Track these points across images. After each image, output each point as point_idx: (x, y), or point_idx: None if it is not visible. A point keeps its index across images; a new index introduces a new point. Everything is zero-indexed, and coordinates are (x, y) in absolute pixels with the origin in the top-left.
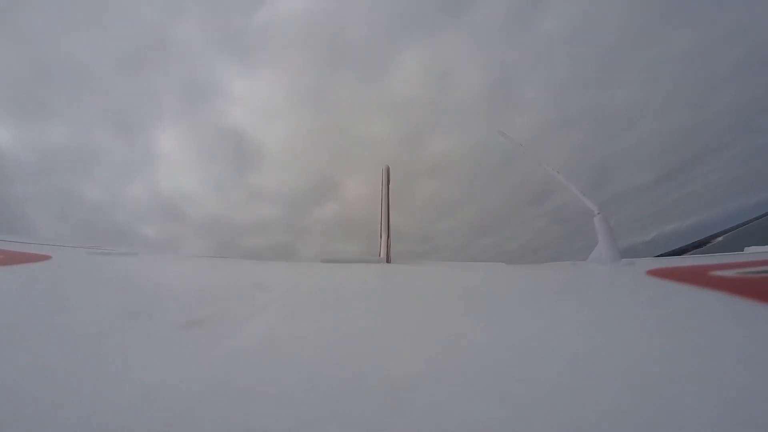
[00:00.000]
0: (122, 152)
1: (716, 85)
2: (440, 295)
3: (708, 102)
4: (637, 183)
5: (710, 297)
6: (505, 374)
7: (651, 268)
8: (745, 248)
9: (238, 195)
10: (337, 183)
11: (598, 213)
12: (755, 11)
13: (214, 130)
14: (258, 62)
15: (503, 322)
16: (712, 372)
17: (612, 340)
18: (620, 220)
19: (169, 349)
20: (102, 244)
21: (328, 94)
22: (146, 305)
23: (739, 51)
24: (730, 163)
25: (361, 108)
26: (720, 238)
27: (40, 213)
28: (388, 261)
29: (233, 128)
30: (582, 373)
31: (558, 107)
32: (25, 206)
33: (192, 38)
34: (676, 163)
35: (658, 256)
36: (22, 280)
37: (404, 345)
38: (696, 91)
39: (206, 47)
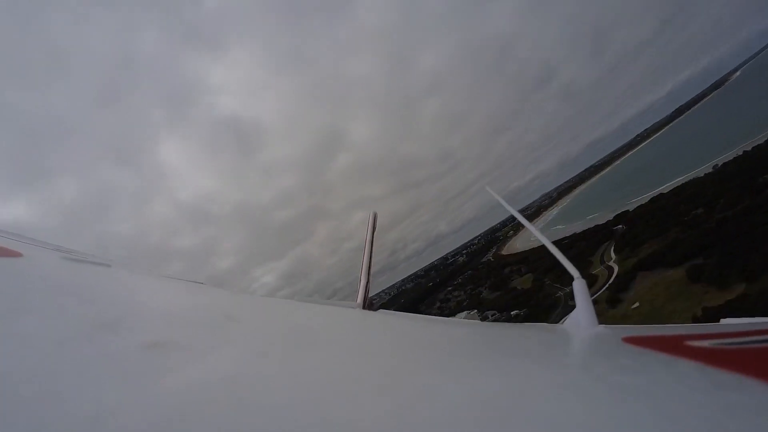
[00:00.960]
0: (133, 181)
1: None
2: (412, 349)
3: None
4: (639, 38)
5: (686, 367)
6: None
7: (627, 335)
8: (721, 320)
9: (254, 177)
10: (341, 132)
11: (578, 278)
12: None
13: (210, 126)
14: (224, 44)
15: (476, 380)
16: None
17: (587, 407)
18: (632, 83)
19: (129, 369)
20: (77, 250)
21: (303, 47)
22: (112, 320)
23: None
24: None
25: (340, 50)
26: (737, 73)
27: None
28: (363, 307)
29: (227, 118)
30: None
31: None
32: None
33: (155, 45)
34: (672, 5)
35: (674, 113)
36: None
37: (369, 395)
38: None
39: (172, 49)
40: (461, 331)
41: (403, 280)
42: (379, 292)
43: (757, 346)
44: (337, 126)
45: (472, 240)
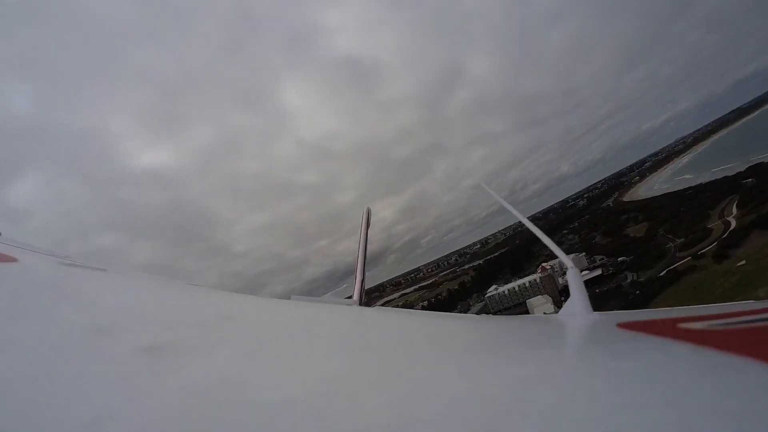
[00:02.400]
0: (261, 124)
1: None
2: (410, 344)
3: None
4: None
5: (679, 349)
6: (475, 428)
7: (621, 321)
8: (711, 304)
9: (374, 115)
10: (460, 67)
11: (572, 267)
12: None
13: (329, 67)
14: None
15: (474, 373)
16: (684, 422)
17: (584, 392)
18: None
19: (127, 373)
20: (73, 255)
21: None
22: (109, 325)
23: None
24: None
25: None
26: None
27: (219, 199)
28: (360, 304)
29: (345, 57)
30: (555, 426)
31: None
32: (207, 197)
33: None
34: None
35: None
36: None
37: (367, 393)
38: None
39: None
40: (458, 325)
41: (518, 223)
42: (495, 232)
43: (750, 326)
44: (456, 61)
45: (596, 183)
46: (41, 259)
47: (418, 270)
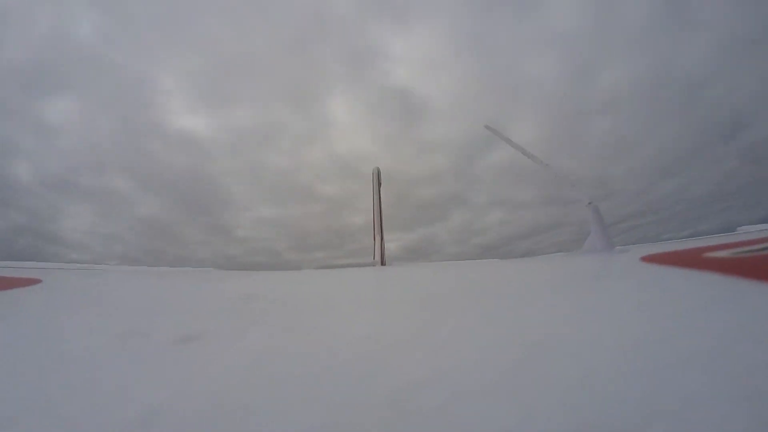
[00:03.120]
0: (300, 124)
1: None
2: (437, 295)
3: None
4: None
5: (706, 278)
6: (510, 370)
7: (645, 255)
8: (738, 228)
9: (407, 148)
10: (502, 127)
11: (590, 203)
12: None
13: (380, 90)
14: (410, 18)
15: (503, 317)
16: (714, 351)
17: (611, 328)
18: None
19: (167, 367)
20: (91, 263)
21: (484, 36)
22: (140, 323)
23: None
24: None
25: (520, 46)
26: None
27: (238, 182)
28: (382, 263)
29: (397, 87)
30: (586, 363)
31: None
32: (228, 176)
33: (346, 7)
34: None
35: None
36: (12, 307)
37: (404, 347)
38: None
39: (361, 14)
40: (480, 270)
41: None
42: None
43: None
44: (499, 121)
45: None
46: (63, 274)
47: None
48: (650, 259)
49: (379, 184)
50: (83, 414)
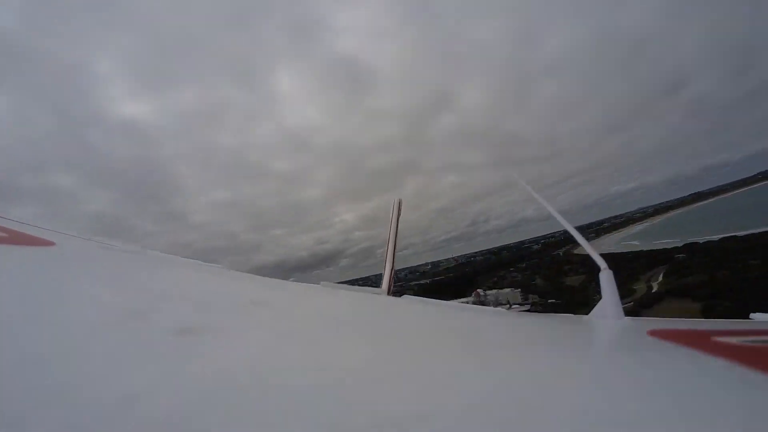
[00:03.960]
0: (246, 100)
1: None
2: (437, 336)
3: None
4: None
5: (713, 363)
6: (497, 423)
7: (652, 329)
8: (751, 315)
9: (358, 118)
10: (450, 93)
11: (605, 269)
12: None
13: (326, 61)
14: None
15: (499, 369)
16: None
17: (610, 398)
18: None
19: (159, 355)
20: (107, 239)
21: (431, 3)
22: (144, 306)
23: None
24: None
25: (467, 11)
26: None
27: (188, 166)
28: (388, 293)
29: (344, 57)
30: (577, 428)
31: None
32: (177, 162)
33: None
34: None
35: None
36: (23, 262)
37: (394, 382)
38: None
39: None
40: (487, 319)
41: (474, 253)
42: (449, 258)
43: None
44: (448, 86)
45: (553, 233)
46: (77, 242)
47: (367, 278)
48: (657, 333)
49: (399, 215)
50: (71, 383)
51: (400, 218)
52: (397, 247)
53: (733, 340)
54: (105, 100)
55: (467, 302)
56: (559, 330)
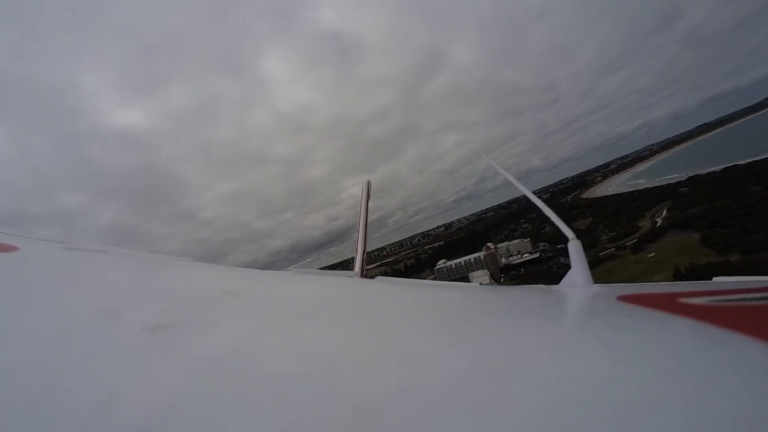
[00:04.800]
0: (238, 91)
1: None
2: (409, 313)
3: None
4: None
5: (679, 323)
6: (474, 396)
7: (621, 294)
8: (714, 278)
9: (352, 91)
10: (441, 52)
11: (573, 239)
12: None
13: (311, 39)
14: None
15: (474, 343)
16: (680, 396)
17: (582, 364)
18: None
19: (133, 353)
20: (72, 240)
21: None
22: (115, 306)
23: None
24: None
25: None
26: None
27: (191, 165)
28: (361, 275)
29: (328, 32)
30: (552, 396)
31: None
32: (179, 162)
33: None
34: None
35: None
36: None
37: (369, 361)
38: None
39: None
40: (459, 295)
41: (485, 210)
42: (460, 218)
43: (749, 304)
44: (438, 46)
45: (562, 180)
46: (42, 245)
47: (383, 248)
48: (626, 298)
49: (368, 197)
50: (45, 390)
51: (369, 200)
52: (368, 228)
53: (698, 300)
54: (97, 113)
55: (479, 257)
56: (530, 301)
